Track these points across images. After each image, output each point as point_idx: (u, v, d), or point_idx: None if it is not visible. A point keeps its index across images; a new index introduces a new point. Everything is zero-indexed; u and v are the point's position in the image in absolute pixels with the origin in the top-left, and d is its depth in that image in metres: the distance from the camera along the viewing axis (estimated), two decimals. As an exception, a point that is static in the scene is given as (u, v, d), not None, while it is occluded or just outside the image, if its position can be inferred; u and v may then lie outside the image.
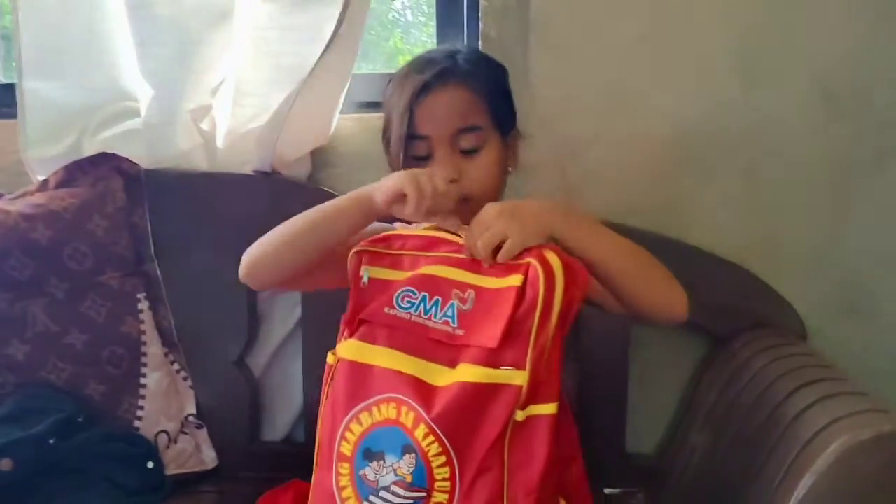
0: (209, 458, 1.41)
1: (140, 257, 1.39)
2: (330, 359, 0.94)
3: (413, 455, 0.84)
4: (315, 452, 0.94)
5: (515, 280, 0.84)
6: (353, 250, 0.95)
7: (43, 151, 1.41)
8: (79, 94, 1.41)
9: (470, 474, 0.83)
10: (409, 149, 1.01)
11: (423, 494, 0.84)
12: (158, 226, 1.41)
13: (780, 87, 1.33)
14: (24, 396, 1.27)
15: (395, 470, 0.85)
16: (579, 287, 0.86)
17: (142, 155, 1.40)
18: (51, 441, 1.21)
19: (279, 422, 1.48)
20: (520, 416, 0.81)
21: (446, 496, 0.83)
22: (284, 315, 1.46)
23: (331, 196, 1.34)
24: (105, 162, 1.38)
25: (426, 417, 0.83)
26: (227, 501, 1.31)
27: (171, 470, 1.35)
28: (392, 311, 0.90)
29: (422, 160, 1.02)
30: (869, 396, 0.93)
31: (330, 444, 0.91)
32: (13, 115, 1.40)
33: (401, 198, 0.92)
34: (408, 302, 0.90)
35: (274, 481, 1.27)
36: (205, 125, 1.40)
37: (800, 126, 1.34)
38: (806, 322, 1.33)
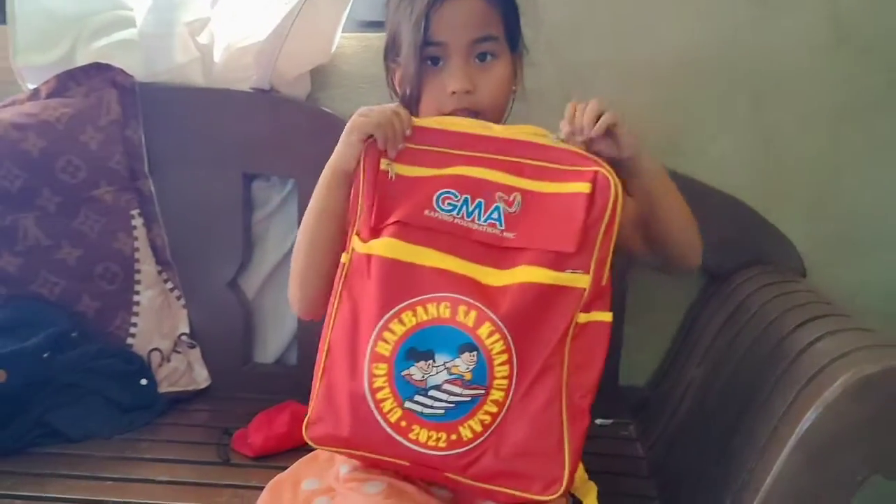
0: (201, 377, 1.41)
1: (134, 173, 1.37)
2: (344, 258, 0.91)
3: (475, 353, 0.84)
4: (321, 354, 0.91)
5: (583, 187, 0.84)
6: (367, 143, 0.91)
7: (34, 59, 1.37)
8: (72, 1, 1.36)
9: (530, 373, 0.84)
10: (423, 54, 0.98)
11: (482, 392, 0.84)
12: (153, 141, 1.39)
13: (790, 17, 1.31)
14: (17, 309, 1.26)
15: (448, 368, 0.84)
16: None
17: (136, 67, 1.37)
18: (45, 355, 1.20)
19: (271, 344, 1.48)
20: (582, 318, 0.85)
21: (502, 393, 0.84)
22: (280, 238, 1.45)
23: (330, 116, 1.36)
24: (98, 73, 1.35)
25: (492, 316, 0.83)
26: (220, 420, 1.31)
27: (163, 388, 1.35)
28: (433, 214, 0.87)
29: (434, 64, 0.99)
30: (875, 332, 0.93)
31: (353, 346, 0.88)
32: (2, 21, 1.36)
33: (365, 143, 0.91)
34: (449, 204, 0.87)
35: (265, 402, 1.29)
36: (202, 39, 1.36)
37: (808, 58, 1.32)
38: (804, 259, 1.33)
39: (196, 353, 1.41)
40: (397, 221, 0.88)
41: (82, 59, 1.37)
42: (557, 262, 0.84)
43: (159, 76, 1.37)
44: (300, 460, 1.06)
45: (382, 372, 0.86)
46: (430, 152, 0.90)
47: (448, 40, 0.97)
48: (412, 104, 1.00)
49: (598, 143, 0.91)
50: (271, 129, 1.37)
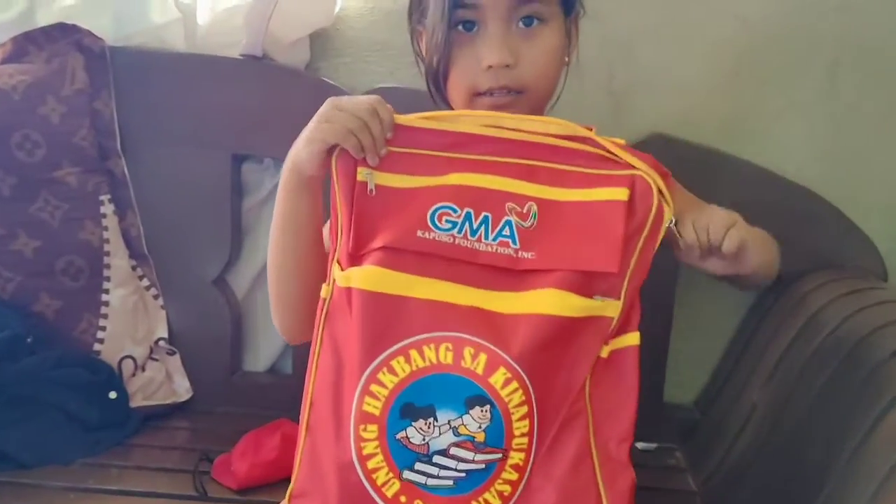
0: (182, 388, 1.28)
1: (104, 151, 1.23)
2: (324, 291, 0.76)
3: (487, 407, 0.69)
4: (304, 410, 0.76)
5: (619, 193, 0.70)
6: (336, 153, 0.75)
7: (-14, 17, 1.24)
8: (32, -50, 1.24)
9: (553, 426, 0.72)
10: (453, 18, 0.80)
11: (500, 455, 0.70)
12: (126, 115, 1.26)
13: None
14: (-40, 310, 1.12)
15: (454, 428, 0.70)
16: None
17: (107, 29, 1.25)
18: (-8, 364, 1.06)
19: (263, 350, 1.36)
20: (605, 351, 0.72)
21: (523, 455, 0.71)
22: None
23: (333, 88, 1.23)
24: (63, 35, 1.22)
25: (507, 359, 0.69)
26: (201, 440, 1.18)
27: (137, 401, 1.22)
28: (427, 235, 0.72)
29: (468, 33, 0.81)
30: None
31: (337, 401, 0.73)
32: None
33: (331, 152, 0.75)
34: (447, 221, 0.72)
35: (256, 418, 1.16)
36: (184, -4, 1.24)
37: (891, 27, 1.17)
38: (886, 260, 1.18)
39: (176, 360, 1.28)
40: (382, 247, 0.72)
41: (44, 19, 1.24)
42: (584, 285, 0.71)
43: (134, 39, 1.26)
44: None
45: (373, 436, 0.71)
46: (420, 157, 0.74)
47: (484, 1, 0.79)
48: (440, 80, 0.84)
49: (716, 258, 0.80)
50: (264, 102, 1.24)
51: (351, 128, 0.72)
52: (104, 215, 1.21)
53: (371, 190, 0.73)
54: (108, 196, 1.22)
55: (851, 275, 1.12)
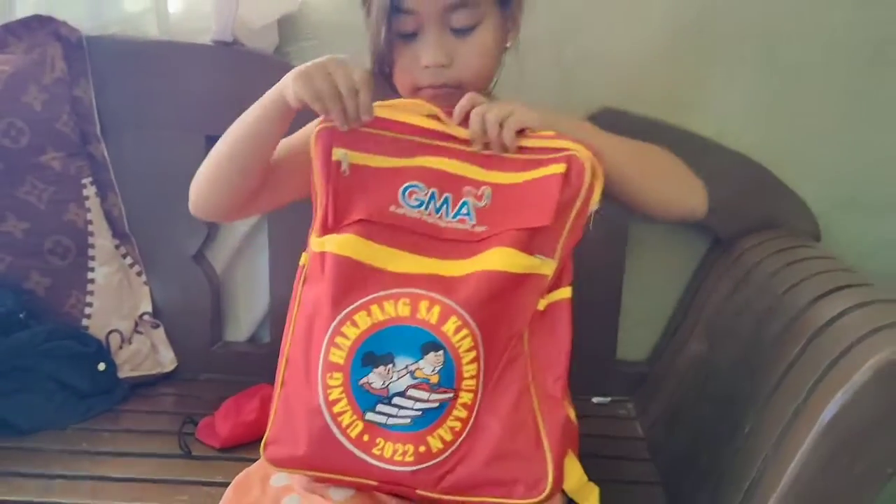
0: (167, 359, 1.34)
1: (85, 136, 1.28)
2: (303, 259, 0.83)
3: (441, 352, 0.76)
4: (280, 367, 0.83)
5: (557, 168, 0.77)
6: (318, 128, 0.81)
7: (-34, 11, 1.27)
8: (7, -55, 1.27)
9: (497, 368, 0.78)
10: (395, 24, 0.86)
11: (451, 395, 0.77)
12: (104, 101, 1.30)
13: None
14: (-45, 289, 1.16)
15: (411, 372, 0.77)
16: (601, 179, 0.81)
17: (83, 18, 1.29)
18: (-13, 338, 1.11)
19: (243, 321, 1.41)
20: (541, 304, 0.79)
21: (471, 395, 0.78)
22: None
23: None
24: (40, 26, 1.26)
25: (458, 309, 0.76)
26: (186, 405, 1.24)
27: (125, 372, 1.28)
28: (399, 210, 0.79)
29: (408, 38, 0.87)
30: (910, 306, 0.83)
31: (307, 354, 0.80)
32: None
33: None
34: (416, 199, 0.79)
35: (238, 384, 1.23)
36: (155, -15, 1.27)
37: (827, 6, 1.21)
38: (818, 222, 1.24)
39: (160, 333, 1.33)
40: (360, 220, 0.78)
41: (22, 11, 1.28)
42: (526, 243, 0.78)
43: (108, 28, 1.29)
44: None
45: (338, 382, 0.78)
46: (391, 139, 0.80)
47: (419, 8, 0.84)
48: (384, 76, 0.89)
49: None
50: (236, 86, 1.24)
51: (324, 93, 0.77)
52: (87, 197, 1.26)
53: (345, 170, 0.79)
54: (90, 179, 1.26)
55: (786, 234, 1.18)
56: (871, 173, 1.25)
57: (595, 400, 1.29)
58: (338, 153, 0.79)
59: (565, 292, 0.80)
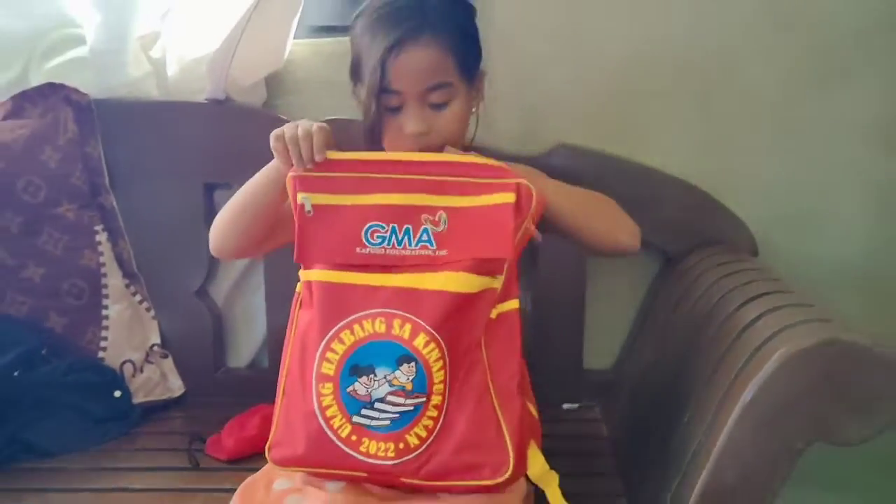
0: (175, 385, 1.43)
1: (95, 189, 1.38)
2: (298, 287, 0.95)
3: (412, 364, 0.88)
4: (281, 380, 0.95)
5: (508, 197, 0.89)
6: (289, 175, 0.93)
7: (-13, 82, 1.38)
8: (21, 20, 1.39)
9: (460, 373, 0.89)
10: (381, 100, 1.01)
11: (423, 399, 0.88)
12: (112, 156, 1.40)
13: (732, 10, 1.35)
14: (-15, 331, 1.27)
15: (389, 381, 0.88)
16: (541, 207, 0.95)
17: (90, 84, 1.39)
18: (15, 373, 1.23)
19: (243, 349, 1.51)
20: (494, 313, 0.90)
21: (440, 397, 0.88)
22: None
23: (287, 122, 1.35)
24: (53, 92, 1.36)
25: (426, 326, 0.87)
26: (195, 425, 1.33)
27: (138, 398, 1.37)
28: (364, 251, 0.90)
29: (394, 111, 1.02)
30: (814, 307, 0.96)
31: (303, 368, 0.92)
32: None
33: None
34: (378, 237, 0.90)
35: (240, 406, 1.32)
36: (155, 52, 1.39)
37: (751, 46, 1.35)
38: (756, 238, 1.37)
39: (169, 362, 1.43)
40: (331, 263, 0.91)
41: (36, 80, 1.38)
42: (482, 267, 0.89)
43: (114, 92, 1.38)
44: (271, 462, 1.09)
45: (329, 391, 0.90)
46: (346, 179, 0.91)
47: (403, 89, 0.99)
48: (374, 139, 1.03)
49: None
50: (229, 138, 1.38)
51: (286, 136, 0.91)
52: (99, 243, 1.36)
53: (308, 210, 0.92)
54: (102, 226, 1.37)
55: (726, 250, 1.31)
56: (801, 193, 1.39)
57: (565, 406, 1.40)
58: (300, 197, 0.91)
59: (514, 304, 0.91)
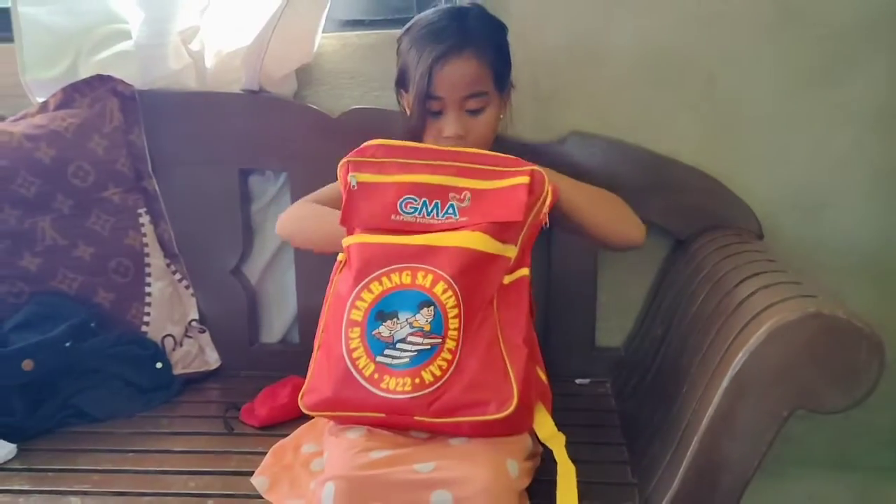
0: (212, 358, 1.52)
1: (139, 174, 1.47)
2: (340, 256, 1.07)
3: (432, 308, 0.98)
4: (317, 337, 1.05)
5: (523, 179, 1.02)
6: (341, 163, 1.07)
7: (40, 74, 1.47)
8: (71, 17, 1.46)
9: (474, 323, 0.99)
10: (426, 105, 1.15)
11: (440, 340, 0.98)
12: (154, 144, 1.49)
13: (738, 2, 1.39)
14: (39, 304, 1.37)
15: (410, 323, 0.98)
16: (555, 196, 1.06)
17: (135, 76, 1.47)
18: (67, 344, 1.32)
19: (276, 325, 1.59)
20: (507, 280, 1.01)
21: (455, 343, 0.98)
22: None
23: (316, 112, 1.46)
24: (101, 84, 1.45)
25: (445, 276, 0.98)
26: (230, 396, 1.43)
27: (178, 370, 1.47)
28: (398, 217, 1.03)
29: (435, 115, 1.17)
30: (803, 285, 1.02)
31: (336, 321, 1.02)
32: (10, 40, 1.46)
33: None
34: (411, 207, 1.03)
35: (272, 378, 1.41)
36: (194, 46, 1.46)
37: (756, 35, 1.39)
38: (763, 222, 1.42)
39: (206, 337, 1.52)
40: (369, 227, 1.04)
41: (84, 72, 1.46)
42: (497, 233, 1.01)
43: (156, 83, 1.46)
44: (300, 427, 1.19)
45: (357, 335, 1.00)
46: (391, 164, 1.05)
47: (445, 95, 1.15)
48: (416, 139, 1.17)
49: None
50: (263, 126, 1.46)
51: None
52: (142, 224, 1.46)
53: (354, 185, 1.05)
54: (145, 209, 1.46)
55: (733, 233, 1.36)
56: (806, 180, 1.43)
57: (577, 381, 1.47)
58: (350, 177, 1.05)
59: (524, 272, 1.03)
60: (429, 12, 1.21)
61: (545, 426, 1.03)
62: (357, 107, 1.47)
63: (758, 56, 1.40)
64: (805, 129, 1.42)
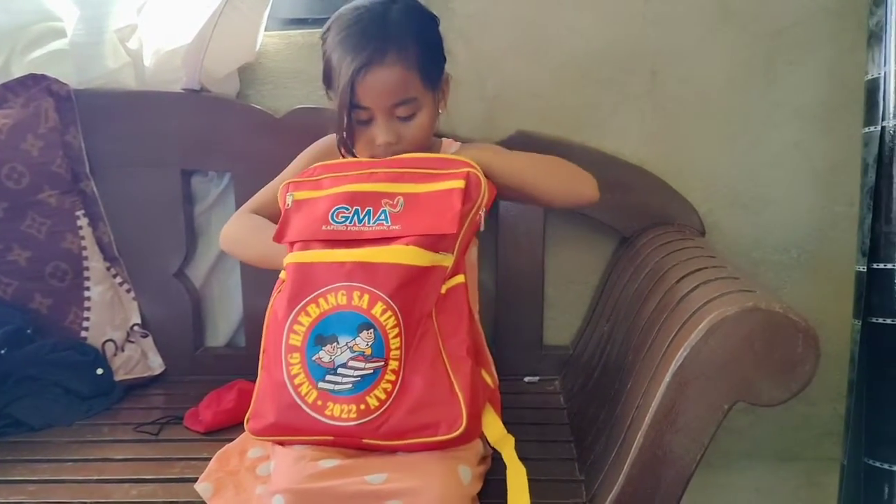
0: (156, 363, 1.50)
1: (76, 175, 1.44)
2: (282, 274, 1.04)
3: (371, 331, 0.96)
4: (260, 358, 1.03)
5: (458, 183, 1.00)
6: (281, 186, 1.08)
7: (-30, 74, 1.42)
8: (3, 15, 1.43)
9: (415, 339, 0.97)
10: (353, 115, 1.09)
11: (382, 363, 0.96)
12: (92, 144, 1.46)
13: (679, 3, 1.41)
14: (-28, 311, 1.33)
15: (350, 347, 0.96)
16: (492, 195, 1.05)
17: (70, 75, 1.44)
18: (2, 351, 1.29)
19: (221, 329, 1.58)
20: (444, 289, 0.99)
21: (397, 362, 0.96)
22: (221, 228, 1.50)
23: (259, 111, 1.44)
24: (35, 83, 1.42)
25: (382, 295, 0.96)
26: (175, 402, 1.40)
27: (119, 376, 1.44)
28: (329, 227, 1.01)
29: (365, 123, 1.10)
30: (741, 280, 1.04)
31: (276, 344, 1.00)
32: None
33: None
34: (342, 217, 1.01)
35: (218, 383, 1.38)
36: (132, 44, 1.43)
37: (698, 35, 1.42)
38: (704, 219, 1.44)
39: (149, 341, 1.50)
40: (301, 240, 1.02)
41: (18, 71, 1.43)
42: (432, 244, 0.98)
43: (93, 82, 1.44)
44: (246, 432, 1.15)
45: (297, 360, 0.98)
46: (326, 178, 1.05)
47: (372, 105, 1.08)
48: (347, 148, 1.12)
49: None
50: (205, 126, 1.44)
51: None
52: (80, 227, 1.42)
53: (289, 204, 1.05)
54: (83, 211, 1.43)
55: (675, 230, 1.38)
56: (746, 177, 1.46)
57: (526, 379, 1.48)
58: (287, 195, 1.06)
59: (460, 279, 1.00)
60: (351, 5, 1.11)
61: (494, 429, 1.03)
62: (301, 106, 1.46)
63: (700, 54, 1.43)
64: (746, 126, 1.45)
